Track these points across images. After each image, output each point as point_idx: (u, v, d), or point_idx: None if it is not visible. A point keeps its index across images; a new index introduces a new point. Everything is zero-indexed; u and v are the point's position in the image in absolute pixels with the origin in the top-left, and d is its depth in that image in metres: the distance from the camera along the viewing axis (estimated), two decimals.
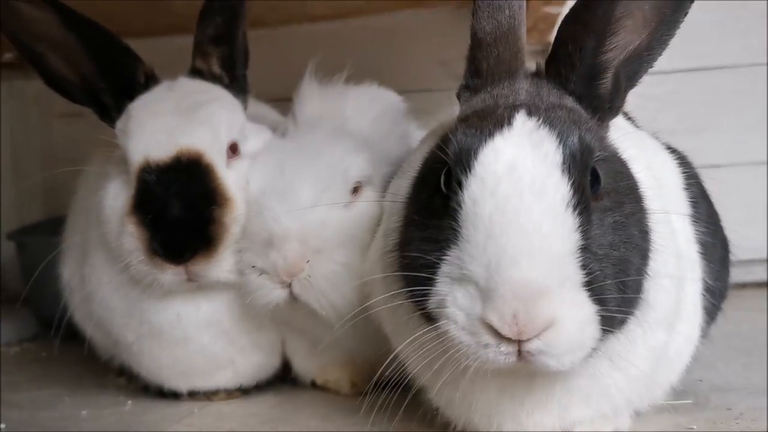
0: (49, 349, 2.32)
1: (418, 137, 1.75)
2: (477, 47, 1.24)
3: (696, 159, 1.59)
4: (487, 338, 1.04)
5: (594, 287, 1.05)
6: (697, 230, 1.38)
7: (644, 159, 1.30)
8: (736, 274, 1.64)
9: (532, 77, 1.24)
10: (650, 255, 1.16)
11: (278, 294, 1.49)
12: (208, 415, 1.61)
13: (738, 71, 2.65)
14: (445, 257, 1.09)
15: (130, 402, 1.73)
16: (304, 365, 1.74)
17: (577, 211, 1.06)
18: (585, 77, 1.20)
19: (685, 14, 1.21)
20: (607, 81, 1.22)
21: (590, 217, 1.08)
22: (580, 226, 1.06)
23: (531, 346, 1.02)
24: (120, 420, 1.61)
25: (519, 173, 1.07)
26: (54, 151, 3.17)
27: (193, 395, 1.71)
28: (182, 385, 1.69)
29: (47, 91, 3.15)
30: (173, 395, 1.72)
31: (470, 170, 1.09)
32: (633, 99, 1.65)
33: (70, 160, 1.88)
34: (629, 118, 1.52)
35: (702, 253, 1.37)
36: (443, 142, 1.17)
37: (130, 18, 2.39)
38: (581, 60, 1.19)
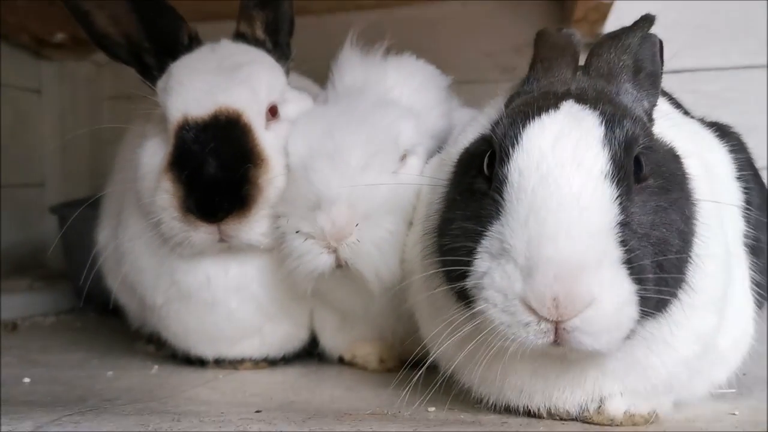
0: (85, 321, 2.35)
1: (460, 115, 1.72)
2: None
3: None
4: (526, 316, 1.03)
5: (633, 266, 1.03)
6: (747, 221, 1.32)
7: (694, 148, 1.26)
8: None
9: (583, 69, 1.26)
10: (693, 239, 1.13)
11: (325, 260, 1.42)
12: (233, 380, 1.60)
13: None
14: (486, 232, 1.09)
15: (156, 366, 1.73)
16: (332, 340, 1.71)
17: (615, 184, 1.06)
18: None
19: None
20: None
21: (631, 194, 1.08)
22: (619, 199, 1.05)
23: (568, 323, 1.02)
24: (145, 381, 1.60)
25: (562, 145, 1.08)
26: (102, 133, 3.21)
27: (219, 363, 1.69)
28: (208, 352, 1.67)
29: (98, 72, 3.25)
30: (200, 362, 1.71)
31: (518, 143, 1.11)
32: (687, 96, 1.59)
33: (118, 142, 1.89)
34: (678, 105, 1.46)
35: (753, 244, 1.32)
36: (493, 125, 1.18)
37: (175, 3, 2.40)
38: None
